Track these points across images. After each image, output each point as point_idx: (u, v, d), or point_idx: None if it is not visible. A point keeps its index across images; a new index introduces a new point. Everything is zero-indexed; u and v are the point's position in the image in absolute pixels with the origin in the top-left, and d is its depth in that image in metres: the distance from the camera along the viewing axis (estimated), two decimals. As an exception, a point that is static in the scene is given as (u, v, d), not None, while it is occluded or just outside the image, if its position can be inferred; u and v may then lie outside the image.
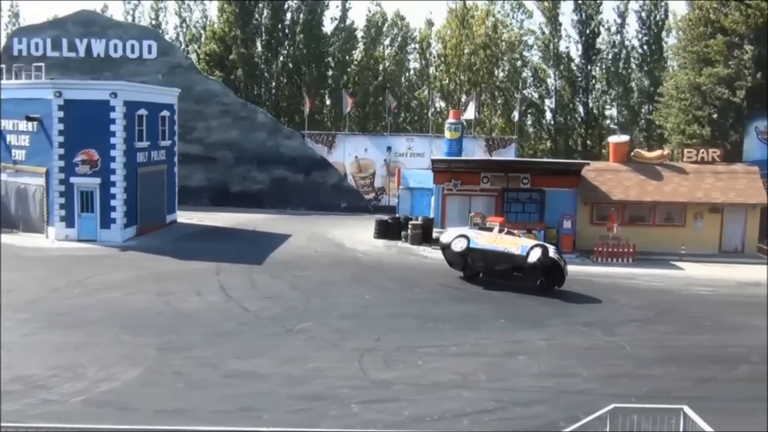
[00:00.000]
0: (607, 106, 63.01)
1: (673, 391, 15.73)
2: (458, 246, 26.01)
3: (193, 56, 59.29)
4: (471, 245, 25.78)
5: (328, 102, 61.93)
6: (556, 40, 61.03)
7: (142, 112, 33.72)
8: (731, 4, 41.30)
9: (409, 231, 33.55)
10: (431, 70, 65.50)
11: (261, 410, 14.19)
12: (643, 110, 61.13)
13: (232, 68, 57.33)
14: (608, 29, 61.11)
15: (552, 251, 25.24)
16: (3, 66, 37.02)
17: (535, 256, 24.87)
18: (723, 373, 17.24)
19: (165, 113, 36.59)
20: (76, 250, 29.94)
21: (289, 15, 58.58)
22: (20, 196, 33.53)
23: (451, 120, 42.99)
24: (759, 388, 15.94)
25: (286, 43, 58.90)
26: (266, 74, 60.06)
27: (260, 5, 57.93)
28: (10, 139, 33.33)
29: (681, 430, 10.51)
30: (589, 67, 60.92)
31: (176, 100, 38.38)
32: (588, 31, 60.10)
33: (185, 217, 38.69)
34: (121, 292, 23.21)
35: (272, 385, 15.59)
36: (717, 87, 41.27)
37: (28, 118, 32.07)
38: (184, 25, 65.47)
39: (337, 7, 61.41)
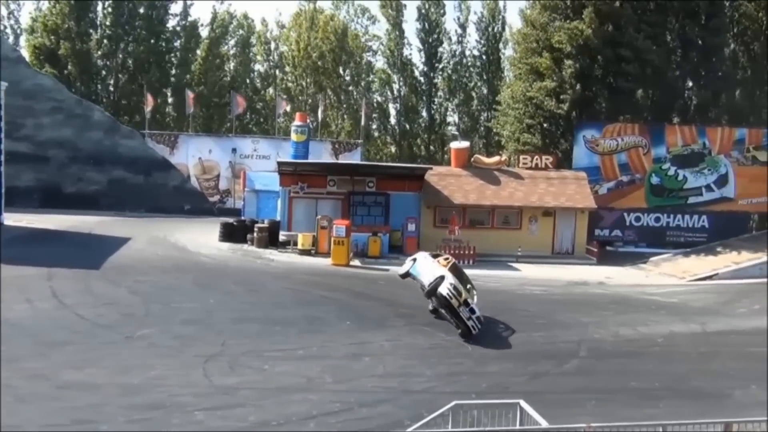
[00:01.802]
0: (449, 113, 65.30)
1: (510, 387, 16.48)
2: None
3: (26, 50, 55.70)
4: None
5: (170, 101, 60.09)
6: (400, 46, 62.49)
7: (-36, 106, 31.29)
8: (556, 23, 44.10)
9: (255, 234, 33.15)
10: (277, 72, 65.16)
11: (98, 422, 13.51)
12: (482, 117, 63.79)
13: (65, 63, 54.33)
14: (449, 38, 63.37)
15: (446, 283, 20.19)
16: None
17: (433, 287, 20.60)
18: (555, 368, 18.26)
19: (-10, 108, 34.10)
20: None
21: (129, 9, 56.25)
22: None
23: (297, 123, 42.93)
24: (587, 380, 17.06)
25: (126, 38, 56.52)
26: (103, 71, 57.39)
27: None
28: None
29: (518, 423, 11.00)
30: (432, 74, 62.83)
31: (2, 95, 35.81)
32: (431, 40, 62.00)
33: (13, 219, 36.20)
34: (-62, 301, 21.36)
35: (110, 396, 14.87)
36: (546, 99, 43.86)
37: None
38: (11, 16, 61.41)
39: (176, 2, 59.62)
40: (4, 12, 61.81)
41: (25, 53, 54.48)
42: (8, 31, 60.55)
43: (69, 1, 53.66)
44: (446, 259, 22.21)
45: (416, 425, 11.24)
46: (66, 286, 23.83)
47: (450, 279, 20.37)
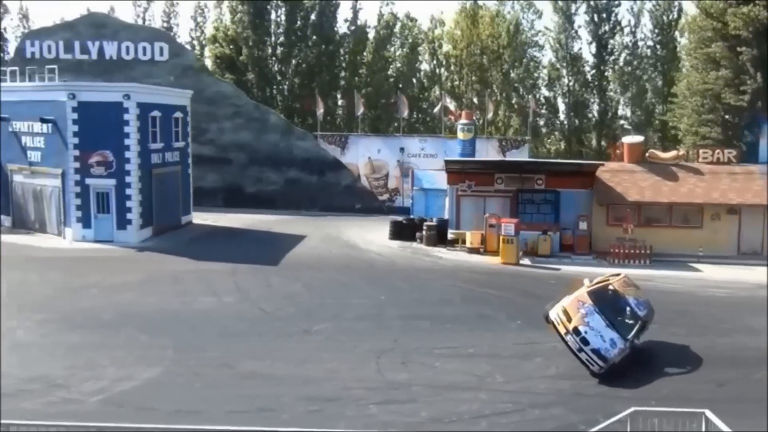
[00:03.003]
0: (621, 107, 62.88)
1: (692, 395, 15.61)
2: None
3: (208, 59, 59.51)
4: None
5: (340, 103, 62.00)
6: (569, 40, 60.93)
7: (156, 113, 33.84)
8: (731, 9, 41.19)
9: (423, 232, 33.49)
10: (442, 70, 65.46)
11: (278, 411, 14.20)
12: (657, 110, 60.92)
13: (244, 70, 57.51)
14: (621, 30, 61.01)
15: (558, 306, 17.82)
16: (17, 68, 37.19)
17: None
18: (742, 377, 17.08)
19: (178, 115, 36.71)
20: (92, 251, 30.07)
21: (302, 16, 58.65)
22: (37, 198, 33.70)
23: (463, 121, 42.94)
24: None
25: (299, 44, 58.97)
26: (278, 76, 60.19)
27: (273, 5, 58.09)
28: (25, 140, 33.53)
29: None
30: (602, 67, 60.79)
31: (189, 102, 38.51)
32: (601, 32, 59.99)
33: (200, 218, 38.80)
34: (137, 293, 23.29)
35: (288, 386, 15.59)
36: (724, 90, 41.12)
37: (43, 120, 32.23)
38: (198, 28, 65.73)
39: (351, 9, 61.55)
40: (192, 25, 66.29)
41: (208, 62, 58.21)
42: (194, 42, 64.82)
43: (247, 12, 56.72)
44: (605, 279, 19.11)
45: (593, 429, 10.93)
46: (248, 280, 25.24)
47: (567, 302, 17.75)
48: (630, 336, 17.13)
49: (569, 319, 17.16)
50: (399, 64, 64.30)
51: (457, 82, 63.74)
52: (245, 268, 27.08)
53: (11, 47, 59.59)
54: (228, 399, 14.72)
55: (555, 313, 17.57)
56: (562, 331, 17.19)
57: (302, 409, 14.42)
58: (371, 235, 35.37)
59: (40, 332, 19.04)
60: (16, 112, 33.63)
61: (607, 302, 17.79)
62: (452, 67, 64.27)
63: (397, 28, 65.00)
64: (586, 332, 16.81)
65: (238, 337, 18.95)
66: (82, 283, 24.39)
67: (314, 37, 58.85)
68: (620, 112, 63.10)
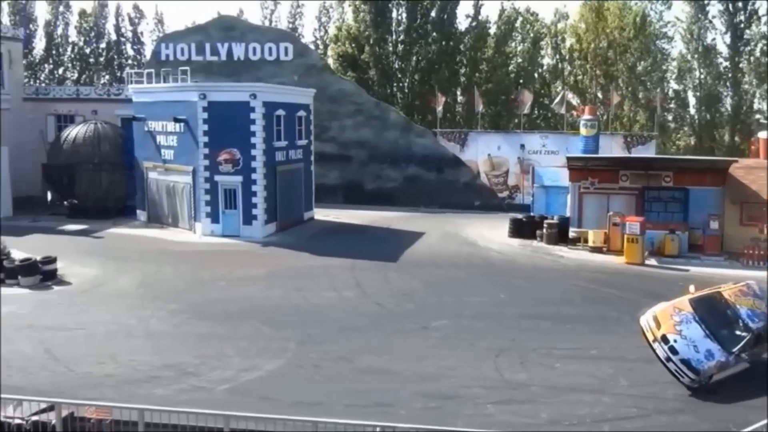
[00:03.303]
0: (757, 100, 59.42)
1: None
2: None
3: (330, 58, 60.69)
4: None
5: (459, 99, 61.73)
6: (701, 30, 58.18)
7: (280, 112, 34.82)
8: None
9: (544, 230, 32.89)
10: (565, 65, 63.96)
11: (396, 406, 14.32)
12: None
13: (365, 68, 58.27)
14: (758, 18, 57.63)
15: (650, 311, 17.08)
16: (152, 70, 39.16)
17: None
18: None
19: (301, 113, 37.64)
20: (220, 245, 31.33)
21: (422, 14, 58.81)
22: (170, 194, 35.44)
23: (586, 116, 41.85)
24: None
25: (420, 41, 59.18)
26: (398, 73, 60.59)
27: (394, 3, 58.58)
28: (160, 139, 35.31)
29: None
30: (737, 58, 57.69)
31: (312, 101, 39.40)
32: (736, 21, 56.92)
33: (321, 214, 39.67)
34: (261, 286, 24.09)
35: (406, 382, 15.69)
36: None
37: (176, 120, 33.82)
38: (321, 28, 67.11)
39: (473, 5, 61.14)
40: (316, 25, 67.76)
41: (330, 61, 59.34)
42: (318, 42, 66.26)
43: (369, 11, 57.47)
44: (717, 288, 17.77)
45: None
46: (367, 276, 25.59)
47: (661, 308, 16.87)
48: (737, 349, 15.79)
49: (659, 326, 16.30)
50: (520, 60, 63.33)
51: (580, 77, 62.11)
52: (365, 264, 27.46)
53: (147, 50, 62.93)
54: (347, 392, 14.98)
55: (645, 320, 16.79)
56: (650, 338, 16.37)
57: (420, 405, 14.49)
58: (490, 233, 35.06)
59: (173, 322, 20.03)
60: (152, 112, 35.50)
61: (712, 311, 16.58)
62: (576, 62, 62.68)
63: (518, 24, 64.06)
64: (675, 341, 15.85)
65: (357, 332, 19.25)
66: (210, 276, 25.47)
67: (434, 34, 58.87)
68: (756, 105, 59.62)
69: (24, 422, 11.32)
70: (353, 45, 59.02)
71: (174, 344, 18.04)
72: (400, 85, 61.26)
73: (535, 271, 27.30)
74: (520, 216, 35.43)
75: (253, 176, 33.17)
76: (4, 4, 60.53)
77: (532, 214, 36.25)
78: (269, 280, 25.11)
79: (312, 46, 59.87)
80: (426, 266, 27.51)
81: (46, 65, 65.55)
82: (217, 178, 33.18)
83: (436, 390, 15.28)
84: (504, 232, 34.58)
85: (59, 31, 65.23)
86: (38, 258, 24.63)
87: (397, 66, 60.34)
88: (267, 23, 64.46)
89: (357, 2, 59.48)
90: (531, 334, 19.16)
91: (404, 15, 59.11)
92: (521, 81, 60.28)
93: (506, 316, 20.94)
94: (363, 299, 22.82)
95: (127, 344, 18.00)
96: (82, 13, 65.74)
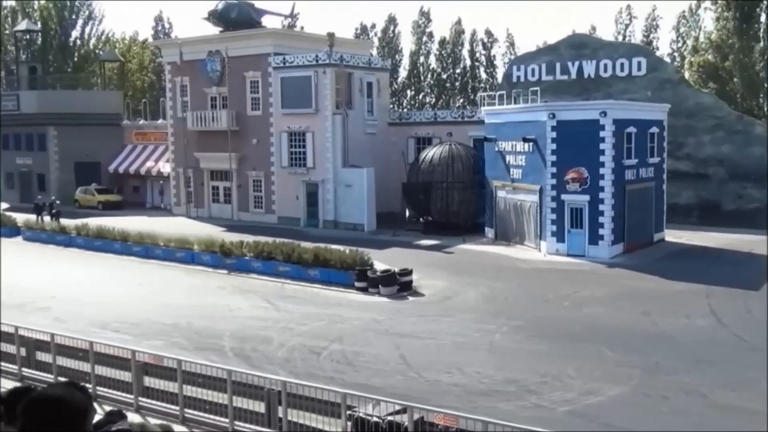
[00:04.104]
0: None
1: None
2: None
3: (687, 70, 57.36)
4: None
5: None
6: None
7: (631, 129, 33.73)
8: None
9: None
10: None
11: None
12: None
13: (728, 78, 54.01)
14: None
15: None
16: (503, 92, 40.49)
17: None
18: None
19: (654, 130, 36.08)
20: (565, 264, 31.24)
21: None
22: (517, 212, 36.26)
23: None
24: None
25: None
26: (765, 84, 55.13)
27: (763, 6, 53.55)
28: (509, 159, 36.33)
29: None
30: None
31: (666, 116, 37.57)
32: None
33: (673, 235, 37.49)
34: (605, 308, 23.53)
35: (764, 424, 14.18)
36: None
37: (525, 140, 34.53)
38: (680, 38, 63.84)
39: None
40: (673, 36, 64.62)
41: (687, 73, 56.00)
42: (675, 54, 63.03)
43: (733, 17, 53.22)
44: None
45: None
46: (724, 304, 23.63)
47: None
48: None
49: None
50: None
51: None
52: (721, 291, 25.37)
53: (499, 73, 65.23)
54: (698, 429, 13.98)
55: None
56: None
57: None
58: None
59: (516, 338, 20.46)
60: (502, 132, 36.69)
61: None
62: None
63: None
64: None
65: (711, 364, 17.88)
66: (555, 295, 25.52)
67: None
68: None
69: (380, 421, 12.40)
70: (716, 54, 55.06)
71: (516, 360, 18.41)
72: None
73: None
74: None
75: (601, 195, 32.55)
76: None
77: None
78: (615, 302, 24.41)
79: (668, 59, 57.13)
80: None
81: (408, 91, 71.41)
82: (563, 196, 33.17)
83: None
84: None
85: (421, 59, 70.66)
86: (396, 270, 26.83)
87: (763, 75, 54.98)
88: (620, 38, 62.99)
89: (720, 8, 55.44)
90: None
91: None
92: None
93: None
94: (719, 329, 21.11)
95: (472, 356, 18.79)
96: (442, 42, 70.45)
